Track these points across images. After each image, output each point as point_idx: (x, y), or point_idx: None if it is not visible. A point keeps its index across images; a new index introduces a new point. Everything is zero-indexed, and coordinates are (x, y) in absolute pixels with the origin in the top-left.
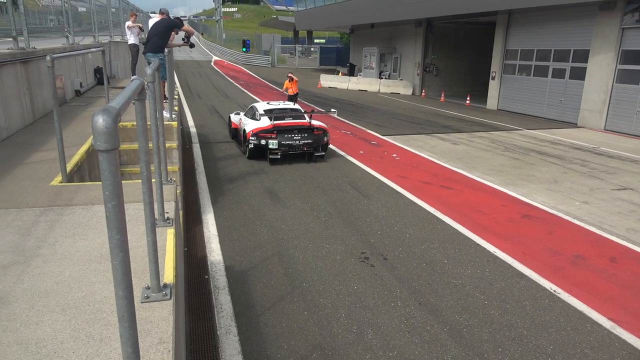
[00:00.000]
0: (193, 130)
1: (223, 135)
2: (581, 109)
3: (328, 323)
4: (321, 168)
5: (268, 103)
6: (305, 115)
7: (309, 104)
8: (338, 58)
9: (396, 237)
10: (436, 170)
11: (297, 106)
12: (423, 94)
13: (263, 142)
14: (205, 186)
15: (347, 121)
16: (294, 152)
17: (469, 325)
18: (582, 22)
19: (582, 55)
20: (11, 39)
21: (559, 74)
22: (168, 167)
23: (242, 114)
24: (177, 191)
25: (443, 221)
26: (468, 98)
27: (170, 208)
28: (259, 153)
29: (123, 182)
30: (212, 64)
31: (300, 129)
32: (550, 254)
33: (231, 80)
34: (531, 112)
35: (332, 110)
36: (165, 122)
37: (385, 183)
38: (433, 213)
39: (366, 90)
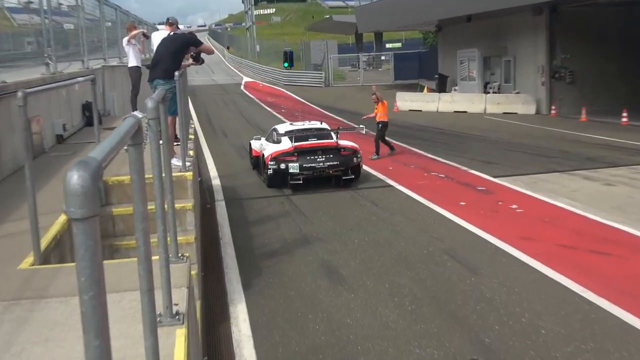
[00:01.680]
0: (216, 182)
1: (259, 187)
2: None
3: None
4: (403, 230)
5: (291, 123)
6: (333, 134)
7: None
8: (421, 68)
9: (525, 335)
10: (581, 226)
11: (324, 125)
12: (552, 111)
13: (283, 166)
14: (233, 263)
15: (439, 158)
16: (319, 175)
17: None
18: None
19: None
20: None
21: None
22: (179, 238)
23: (263, 138)
24: (192, 272)
25: (599, 307)
26: (624, 114)
27: (181, 297)
28: (280, 179)
29: (117, 261)
30: (243, 87)
31: (325, 150)
32: None
33: (269, 109)
34: None
35: (360, 126)
36: (175, 174)
37: (501, 249)
38: (581, 294)
39: (465, 112)
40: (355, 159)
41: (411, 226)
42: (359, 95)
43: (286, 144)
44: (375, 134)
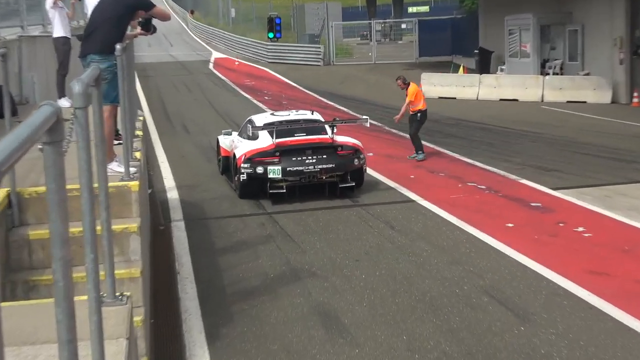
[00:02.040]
0: (173, 195)
1: (231, 201)
2: None
3: None
4: (428, 261)
5: (272, 113)
6: (327, 128)
7: (399, 133)
8: (456, 40)
9: None
10: None
11: (315, 115)
12: (635, 99)
13: (260, 169)
14: (194, 305)
15: (478, 163)
16: (308, 183)
17: None
18: None
19: None
20: None
21: None
22: (118, 271)
23: (235, 133)
24: (136, 318)
25: None
26: None
27: (118, 352)
28: (255, 188)
29: (34, 302)
30: (212, 66)
31: (317, 148)
32: None
33: (247, 96)
34: None
35: (364, 117)
36: (114, 184)
37: (562, 288)
38: None
39: (516, 100)
40: (356, 160)
41: (439, 256)
42: (370, 77)
43: (265, 141)
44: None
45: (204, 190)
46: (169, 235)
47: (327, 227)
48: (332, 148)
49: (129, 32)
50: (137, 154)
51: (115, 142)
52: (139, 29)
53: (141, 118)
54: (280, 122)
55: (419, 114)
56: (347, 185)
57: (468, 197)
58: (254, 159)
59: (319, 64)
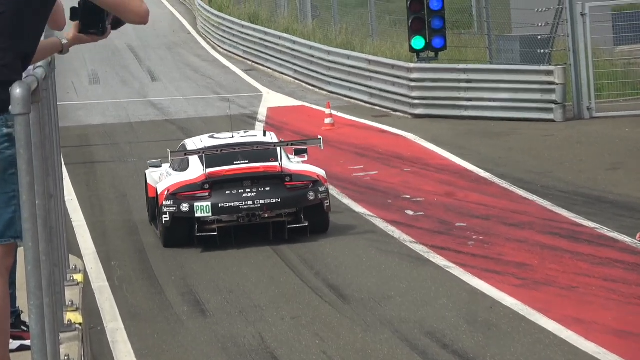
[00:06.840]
0: None
1: None
2: None
3: None
4: None
5: (211, 136)
6: (279, 151)
7: None
8: None
9: None
10: None
11: (269, 137)
12: None
13: (185, 207)
14: None
15: None
16: (248, 222)
17: None
18: None
19: None
20: None
21: None
22: None
23: (166, 165)
24: None
25: None
26: None
27: None
28: (183, 231)
29: None
30: (263, 128)
31: (259, 179)
32: None
33: (361, 211)
34: None
35: (319, 137)
36: None
37: None
38: None
39: None
40: (311, 194)
41: None
42: None
43: (194, 171)
44: None
45: None
46: None
47: None
48: (278, 178)
49: (44, 39)
50: None
51: (14, 345)
52: (73, 32)
53: (78, 278)
54: (214, 147)
55: None
56: (297, 226)
57: None
58: (178, 194)
59: (549, 116)
